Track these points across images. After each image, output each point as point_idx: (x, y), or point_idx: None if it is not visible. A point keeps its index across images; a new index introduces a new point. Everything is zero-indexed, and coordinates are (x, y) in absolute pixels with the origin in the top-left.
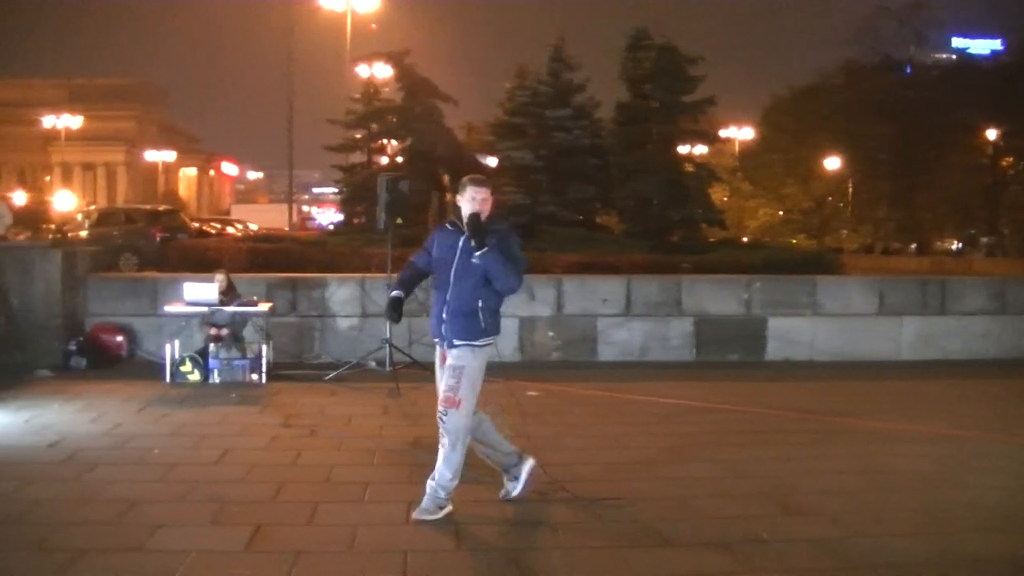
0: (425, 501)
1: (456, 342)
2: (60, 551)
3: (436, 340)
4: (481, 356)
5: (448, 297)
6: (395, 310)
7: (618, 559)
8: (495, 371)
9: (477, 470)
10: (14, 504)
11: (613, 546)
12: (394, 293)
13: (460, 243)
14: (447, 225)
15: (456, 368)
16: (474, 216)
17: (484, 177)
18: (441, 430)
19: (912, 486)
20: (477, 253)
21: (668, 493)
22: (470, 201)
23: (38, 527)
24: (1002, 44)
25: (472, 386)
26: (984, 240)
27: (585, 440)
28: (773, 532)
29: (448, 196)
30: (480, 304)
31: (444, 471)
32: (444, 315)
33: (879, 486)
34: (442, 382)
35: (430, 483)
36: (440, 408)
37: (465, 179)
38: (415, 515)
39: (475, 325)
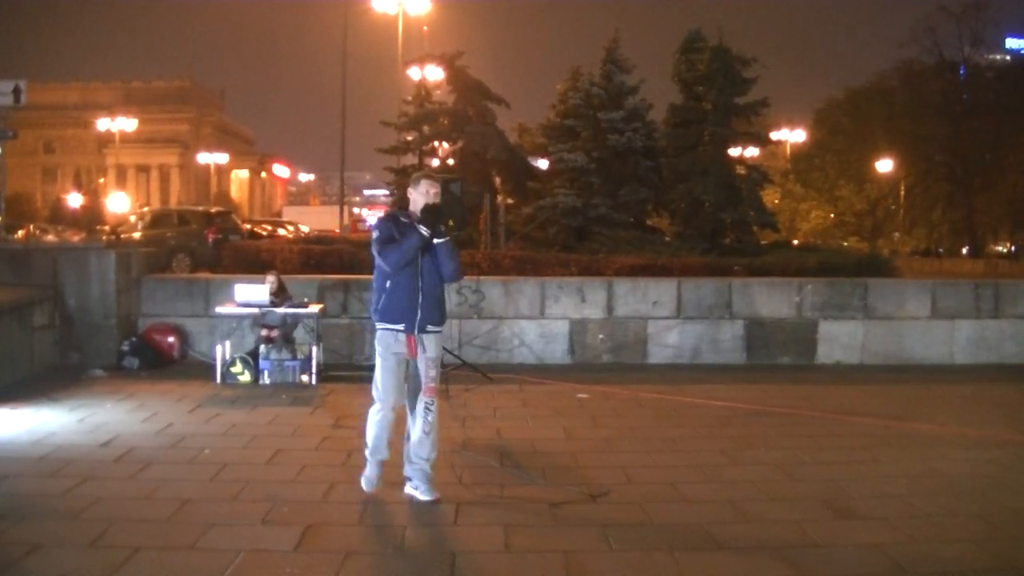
0: (426, 481)
1: (430, 328)
2: (115, 548)
3: (399, 328)
4: (442, 342)
5: (422, 284)
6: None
7: (669, 562)
8: (546, 373)
9: (528, 471)
10: (70, 501)
11: (664, 548)
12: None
13: (421, 232)
14: (400, 218)
15: (435, 359)
16: (435, 206)
17: (435, 173)
18: (425, 419)
19: (969, 491)
20: (439, 240)
21: (721, 496)
22: (424, 194)
23: (93, 524)
24: None
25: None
26: None
27: (638, 442)
28: (826, 536)
29: (500, 198)
30: (441, 291)
31: (431, 450)
32: (420, 301)
33: (935, 491)
34: (422, 373)
35: (424, 465)
36: (428, 399)
37: (418, 175)
38: (430, 496)
39: (443, 311)
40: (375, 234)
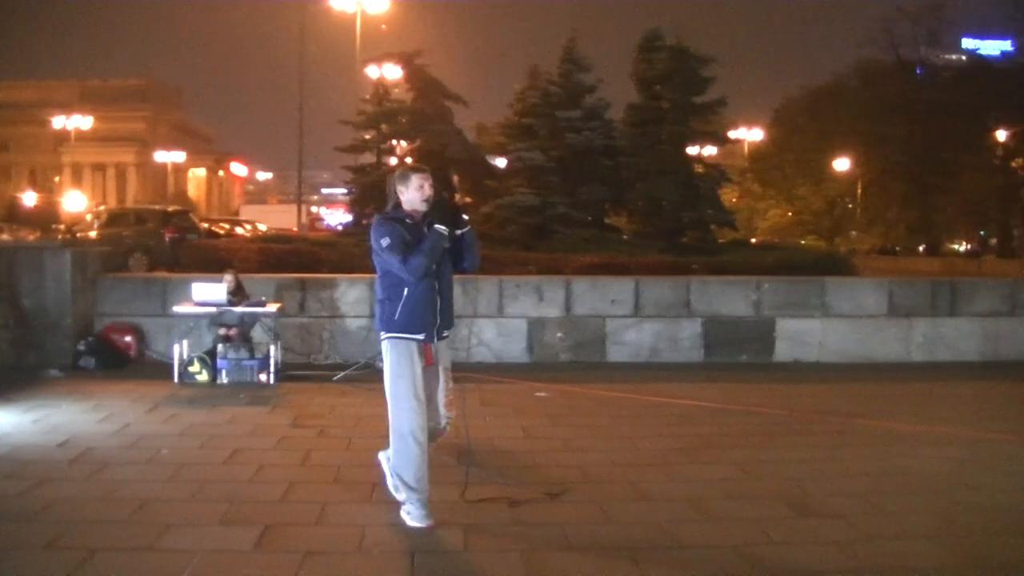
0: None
1: (445, 333)
2: (71, 550)
3: (420, 337)
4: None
5: (439, 287)
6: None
7: (629, 561)
8: (504, 372)
9: (488, 471)
10: (25, 503)
11: (624, 547)
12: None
13: (439, 230)
14: (404, 219)
15: (449, 369)
16: (442, 198)
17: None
18: (441, 434)
19: (927, 488)
20: (462, 231)
21: (681, 495)
22: (420, 189)
23: (49, 526)
24: (1012, 45)
25: None
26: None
27: (597, 441)
28: (786, 534)
29: (458, 197)
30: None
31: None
32: (439, 305)
33: (894, 488)
34: (439, 386)
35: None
36: (450, 414)
37: (405, 169)
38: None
39: (454, 313)
40: (384, 241)
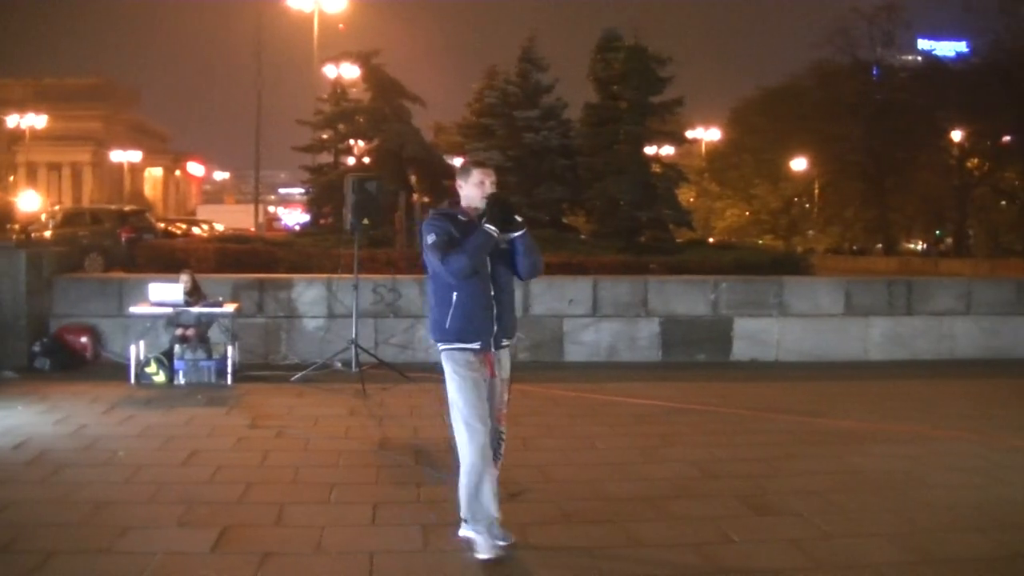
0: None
1: (505, 342)
2: (27, 553)
3: (476, 347)
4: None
5: (495, 292)
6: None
7: (588, 558)
8: None
9: (445, 470)
10: None
11: (583, 546)
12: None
13: (489, 231)
14: (458, 215)
15: (508, 381)
16: (500, 196)
17: (483, 161)
18: (500, 449)
19: (883, 486)
20: (517, 233)
21: (639, 494)
22: (480, 185)
23: (5, 529)
24: (967, 46)
25: None
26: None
27: (556, 441)
28: (744, 533)
29: (416, 196)
30: (514, 296)
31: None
32: (495, 312)
33: (850, 486)
34: (492, 396)
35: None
36: (503, 428)
37: (467, 163)
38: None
39: (516, 319)
40: (429, 238)
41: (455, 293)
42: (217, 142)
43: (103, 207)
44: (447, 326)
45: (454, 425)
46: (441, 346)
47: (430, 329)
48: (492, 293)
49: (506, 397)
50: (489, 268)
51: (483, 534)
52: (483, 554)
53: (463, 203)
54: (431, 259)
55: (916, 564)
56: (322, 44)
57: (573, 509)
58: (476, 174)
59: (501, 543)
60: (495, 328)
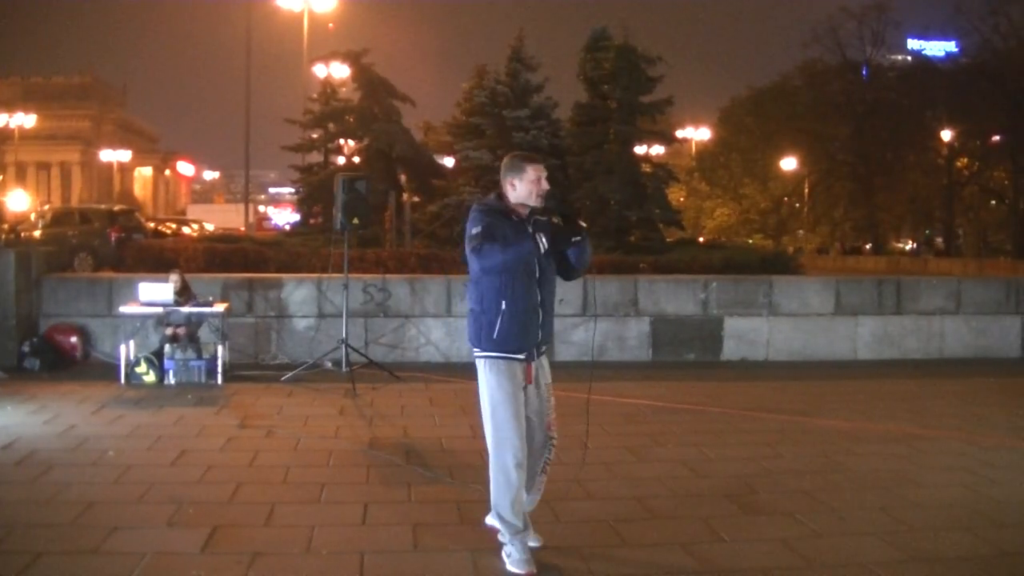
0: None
1: (545, 347)
2: (15, 554)
3: (521, 357)
4: None
5: (541, 298)
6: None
7: (577, 559)
8: (452, 372)
9: (436, 470)
10: None
11: (572, 545)
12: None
13: (541, 241)
14: (509, 215)
15: (551, 385)
16: (559, 200)
17: (530, 153)
18: (549, 455)
19: (873, 485)
20: (576, 238)
21: (628, 493)
22: (535, 182)
23: None
24: (957, 46)
25: None
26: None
27: None
28: (733, 532)
29: (405, 196)
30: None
31: (536, 495)
32: (540, 319)
33: (840, 485)
34: (538, 402)
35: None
36: (553, 435)
37: (517, 157)
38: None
39: (553, 321)
40: (474, 229)
41: (504, 301)
42: (207, 142)
43: (92, 207)
44: (495, 336)
45: (491, 435)
46: (484, 354)
47: (471, 336)
48: (539, 299)
49: (551, 402)
50: (541, 274)
51: (517, 545)
52: (517, 569)
53: (512, 200)
54: (467, 248)
55: (906, 563)
56: (312, 43)
57: (561, 508)
58: (531, 171)
59: (533, 544)
60: (539, 336)
